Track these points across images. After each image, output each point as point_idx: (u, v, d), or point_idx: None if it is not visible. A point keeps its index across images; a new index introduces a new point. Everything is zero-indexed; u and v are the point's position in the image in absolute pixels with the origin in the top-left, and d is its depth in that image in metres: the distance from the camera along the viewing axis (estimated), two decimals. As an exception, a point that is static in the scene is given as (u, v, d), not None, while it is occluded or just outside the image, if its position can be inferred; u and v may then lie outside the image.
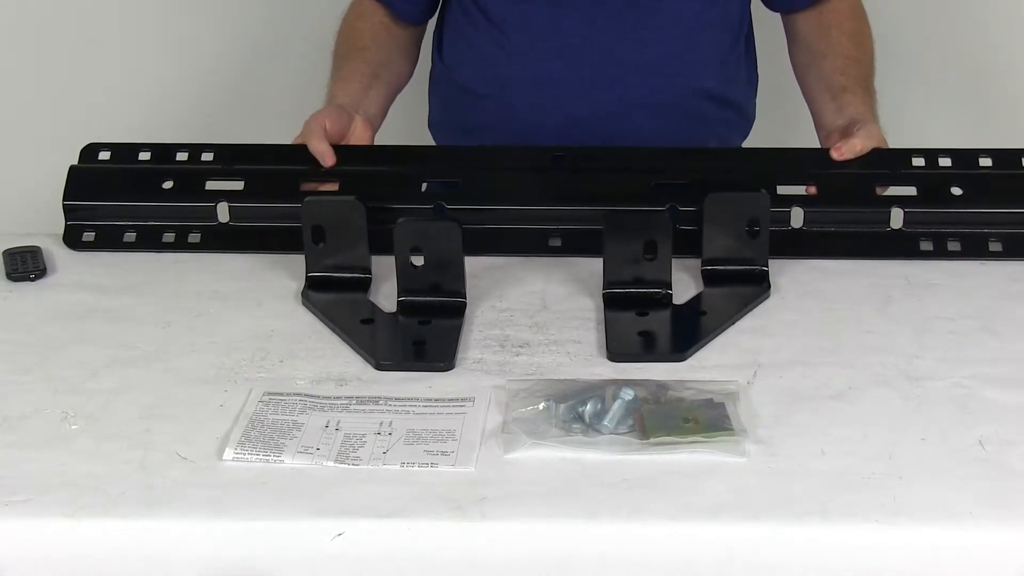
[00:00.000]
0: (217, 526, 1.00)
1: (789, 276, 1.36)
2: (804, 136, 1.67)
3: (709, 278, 1.34)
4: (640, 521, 0.99)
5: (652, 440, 1.06)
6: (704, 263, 1.35)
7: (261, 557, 0.99)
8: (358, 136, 1.52)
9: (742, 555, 0.98)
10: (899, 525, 0.98)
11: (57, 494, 1.02)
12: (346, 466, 1.05)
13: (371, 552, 0.99)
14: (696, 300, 1.31)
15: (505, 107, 1.59)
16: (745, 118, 1.69)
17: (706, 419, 1.08)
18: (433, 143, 1.73)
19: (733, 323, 1.27)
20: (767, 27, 1.71)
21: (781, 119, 1.78)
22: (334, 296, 1.32)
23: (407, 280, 1.29)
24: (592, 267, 1.33)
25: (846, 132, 1.52)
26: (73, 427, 1.12)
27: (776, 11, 1.68)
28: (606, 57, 1.55)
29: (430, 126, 1.74)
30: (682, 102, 1.58)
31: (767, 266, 1.34)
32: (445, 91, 1.67)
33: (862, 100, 1.58)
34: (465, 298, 1.30)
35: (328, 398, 1.15)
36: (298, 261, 1.35)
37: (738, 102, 1.65)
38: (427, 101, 1.73)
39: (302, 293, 1.33)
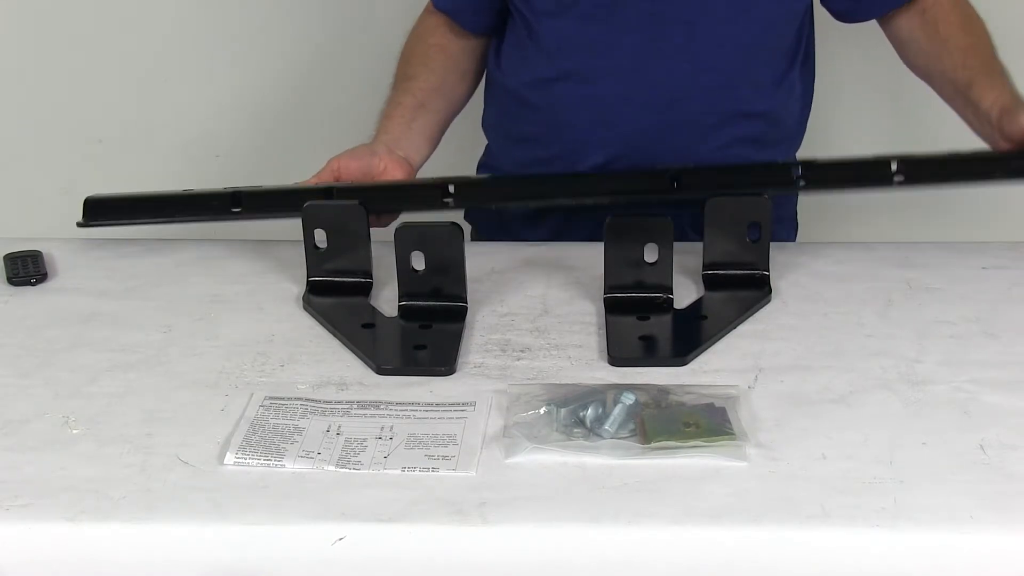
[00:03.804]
0: (218, 530, 1.00)
1: (790, 280, 1.36)
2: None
3: (710, 282, 1.34)
4: (641, 525, 0.99)
5: (653, 444, 1.06)
6: (705, 267, 1.35)
7: (262, 561, 0.99)
8: (388, 175, 1.51)
9: (743, 559, 0.98)
10: (900, 529, 0.98)
11: (58, 498, 1.02)
12: (347, 470, 1.05)
13: (372, 557, 0.99)
14: (697, 304, 1.32)
15: (555, 121, 1.58)
16: (795, 138, 1.67)
17: (707, 423, 1.09)
18: (486, 142, 1.74)
19: (734, 327, 1.27)
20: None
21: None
22: (335, 300, 1.32)
23: (408, 284, 1.29)
24: (593, 271, 1.34)
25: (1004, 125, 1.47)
26: (74, 431, 1.12)
27: (868, 20, 1.64)
28: (659, 79, 1.53)
29: (483, 127, 1.74)
30: (734, 125, 1.57)
31: (768, 270, 1.34)
32: (499, 96, 1.67)
33: (991, 85, 1.51)
34: (466, 302, 1.30)
35: (329, 402, 1.15)
36: (299, 265, 1.35)
37: (790, 125, 1.64)
38: (483, 100, 1.73)
39: (303, 297, 1.33)
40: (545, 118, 1.59)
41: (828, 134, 1.91)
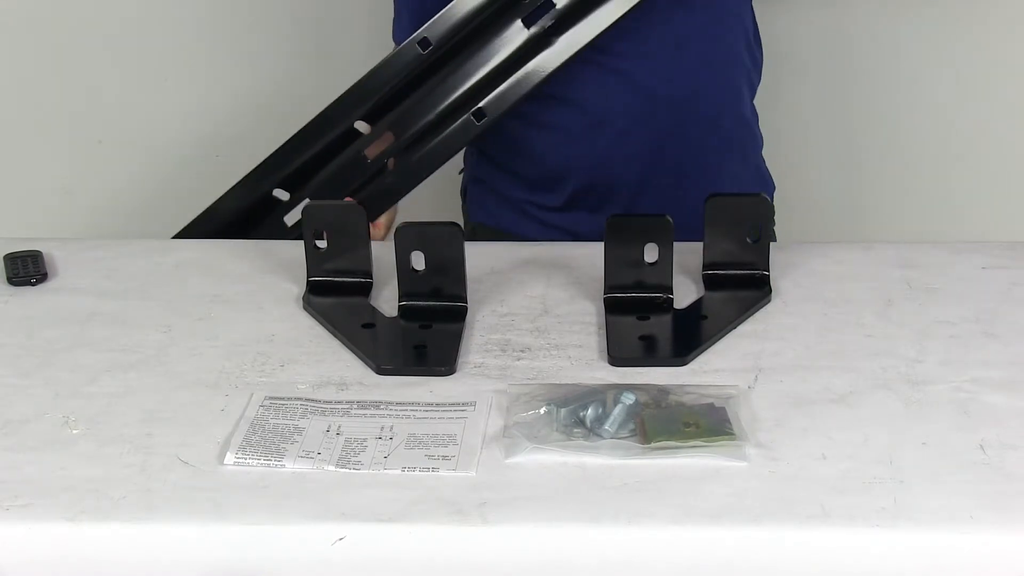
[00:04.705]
0: (218, 530, 1.00)
1: (790, 280, 1.36)
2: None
3: (710, 282, 1.34)
4: (641, 525, 0.99)
5: (653, 444, 1.06)
6: (705, 267, 1.35)
7: (262, 561, 0.99)
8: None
9: (743, 559, 0.98)
10: (900, 529, 0.98)
11: (58, 498, 1.02)
12: (347, 471, 1.05)
13: (372, 557, 0.99)
14: (697, 304, 1.31)
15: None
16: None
17: (707, 423, 1.09)
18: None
19: (734, 327, 1.27)
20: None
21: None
22: (335, 300, 1.32)
23: (408, 284, 1.29)
24: (593, 271, 1.34)
25: None
26: (74, 431, 1.12)
27: None
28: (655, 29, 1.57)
29: None
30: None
31: (768, 270, 1.34)
32: None
33: None
34: (466, 302, 1.30)
35: (329, 402, 1.15)
36: (299, 265, 1.35)
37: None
38: None
39: (303, 297, 1.33)
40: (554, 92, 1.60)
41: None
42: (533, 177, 1.66)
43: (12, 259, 1.41)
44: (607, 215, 1.30)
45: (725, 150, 1.65)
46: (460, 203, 1.81)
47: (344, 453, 1.07)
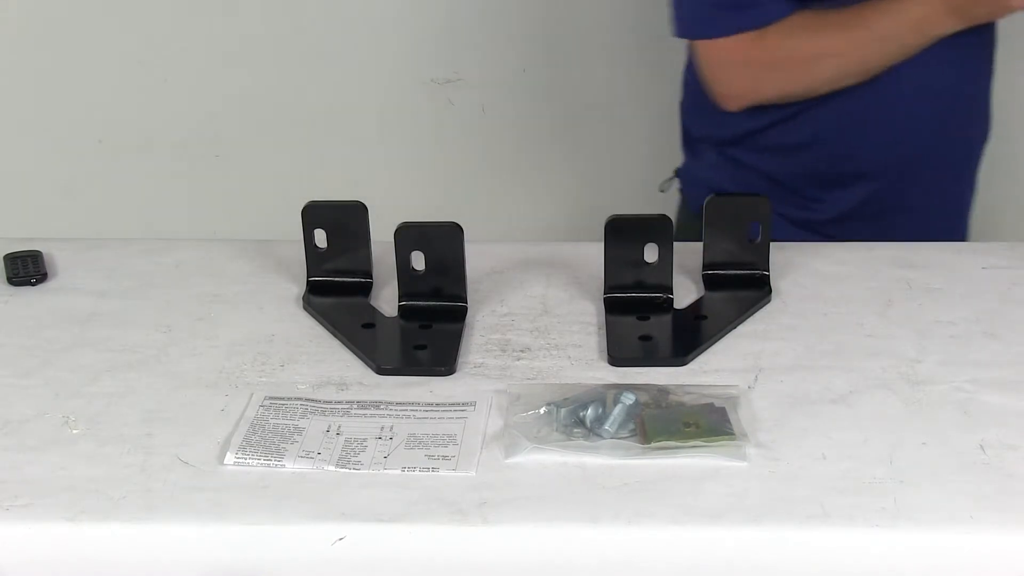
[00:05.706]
0: (218, 530, 1.00)
1: (790, 280, 1.36)
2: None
3: (710, 282, 1.34)
4: (641, 525, 0.99)
5: (653, 444, 1.06)
6: (705, 267, 1.35)
7: (262, 561, 0.99)
8: None
9: (743, 559, 0.98)
10: (900, 529, 0.98)
11: (58, 498, 1.02)
12: (347, 471, 1.05)
13: (372, 557, 0.99)
14: (697, 304, 1.32)
15: None
16: None
17: (707, 423, 1.09)
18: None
19: (734, 327, 1.27)
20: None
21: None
22: (335, 300, 1.32)
23: (408, 284, 1.29)
24: (593, 271, 1.34)
25: None
26: (74, 431, 1.12)
27: None
28: None
29: (684, 110, 1.77)
30: None
31: (768, 270, 1.34)
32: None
33: None
34: (466, 302, 1.30)
35: (329, 402, 1.15)
36: (299, 265, 1.35)
37: None
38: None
39: (303, 297, 1.33)
40: None
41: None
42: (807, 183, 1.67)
43: (12, 259, 1.41)
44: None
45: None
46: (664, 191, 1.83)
47: (344, 453, 1.07)
